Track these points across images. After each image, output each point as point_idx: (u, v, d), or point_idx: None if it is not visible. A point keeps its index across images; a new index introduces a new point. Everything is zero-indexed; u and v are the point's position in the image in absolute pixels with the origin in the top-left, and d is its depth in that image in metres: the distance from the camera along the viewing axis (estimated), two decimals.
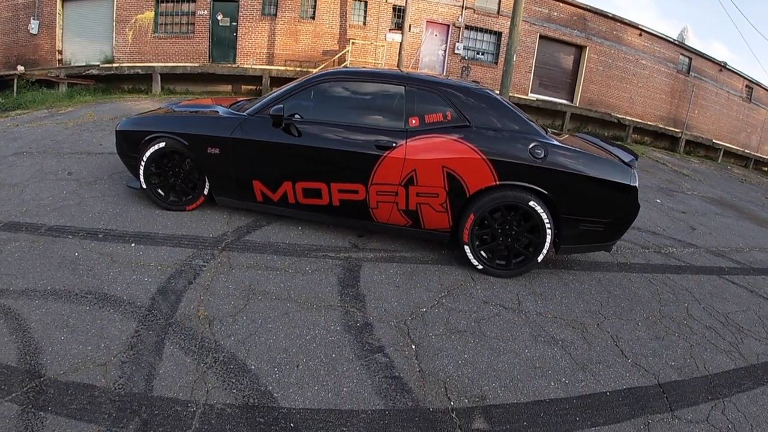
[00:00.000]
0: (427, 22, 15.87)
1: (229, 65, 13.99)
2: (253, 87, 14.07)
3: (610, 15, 17.23)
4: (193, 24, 13.96)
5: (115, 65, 13.17)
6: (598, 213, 3.48)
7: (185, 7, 13.90)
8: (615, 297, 3.64)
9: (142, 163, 3.83)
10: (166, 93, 12.70)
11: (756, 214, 8.88)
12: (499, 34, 16.45)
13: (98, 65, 13.00)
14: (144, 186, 3.91)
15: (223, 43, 14.33)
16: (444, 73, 15.83)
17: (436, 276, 3.45)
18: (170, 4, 13.89)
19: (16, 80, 12.17)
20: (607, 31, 17.34)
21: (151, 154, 3.80)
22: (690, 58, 19.18)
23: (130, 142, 3.96)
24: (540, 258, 3.51)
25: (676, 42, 19.04)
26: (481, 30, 16.34)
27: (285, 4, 14.41)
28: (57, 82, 12.21)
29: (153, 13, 13.65)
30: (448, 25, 16.05)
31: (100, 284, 2.78)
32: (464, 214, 3.46)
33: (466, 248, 3.52)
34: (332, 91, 3.71)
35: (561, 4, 16.60)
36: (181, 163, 3.86)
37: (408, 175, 3.41)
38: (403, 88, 3.55)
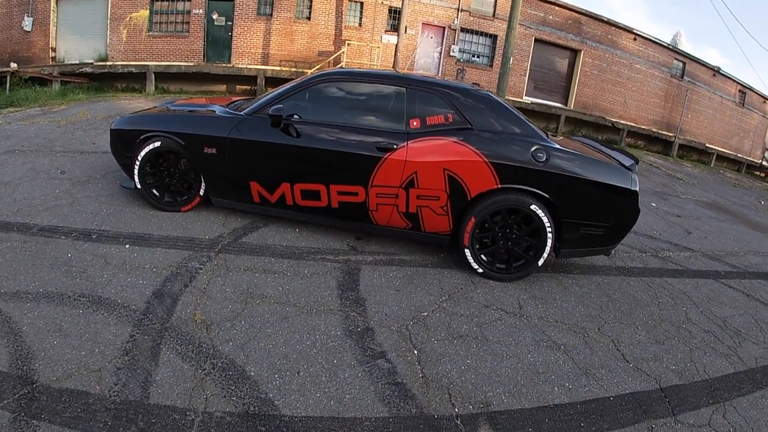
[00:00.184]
0: (422, 24, 15.88)
1: (224, 65, 13.90)
2: (248, 87, 14.00)
3: (605, 19, 17.35)
4: (188, 23, 13.85)
5: (108, 63, 13.02)
6: (599, 217, 3.47)
7: (180, 5, 13.79)
8: (614, 301, 3.63)
9: (137, 163, 3.76)
10: (159, 92, 12.58)
11: (749, 218, 8.95)
12: (494, 37, 16.50)
13: (92, 63, 12.85)
14: (138, 186, 3.83)
15: (218, 43, 14.23)
16: (439, 75, 15.84)
17: (436, 279, 3.41)
18: (165, 3, 13.78)
19: (9, 78, 12.00)
20: (602, 35, 17.46)
21: (146, 153, 3.73)
22: (684, 63, 19.36)
23: (124, 141, 3.88)
24: (540, 262, 3.49)
25: (670, 47, 19.22)
26: (477, 33, 16.38)
27: (281, 4, 14.35)
28: (50, 80, 12.06)
29: (148, 11, 13.52)
30: (444, 28, 16.07)
31: (93, 287, 2.71)
32: (465, 217, 3.43)
33: (467, 252, 3.49)
34: (332, 92, 3.66)
35: (556, 8, 16.69)
36: (177, 163, 3.80)
37: (409, 177, 3.37)
38: (404, 89, 3.52)
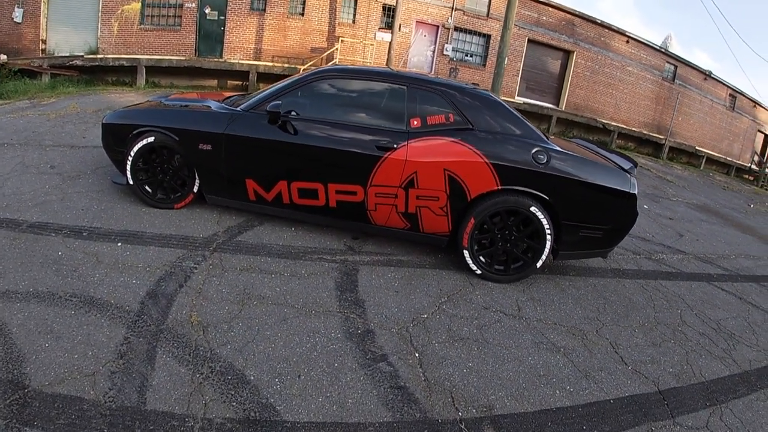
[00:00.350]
0: (416, 22, 15.83)
1: (215, 60, 13.72)
2: (240, 82, 13.83)
3: (599, 21, 17.46)
4: (181, 16, 13.63)
5: (99, 56, 12.76)
6: (597, 220, 3.47)
7: None
8: (611, 303, 3.64)
9: (130, 158, 3.67)
10: (150, 86, 12.37)
11: (739, 221, 9.07)
12: (487, 37, 16.51)
13: (82, 56, 12.58)
14: (131, 182, 3.74)
15: (211, 37, 14.03)
16: (432, 74, 15.81)
17: (434, 281, 3.38)
18: None
19: None
20: (595, 37, 17.57)
21: (140, 148, 3.64)
22: (675, 66, 19.57)
23: (117, 136, 3.79)
24: (539, 264, 3.48)
25: (662, 50, 19.39)
26: (470, 32, 16.38)
27: None
28: (40, 72, 11.79)
29: (140, 4, 13.27)
30: (438, 26, 16.04)
31: (85, 286, 2.63)
32: (464, 218, 3.40)
33: (466, 253, 3.46)
34: (331, 89, 3.61)
35: (550, 9, 16.75)
36: (171, 159, 3.71)
37: (409, 177, 3.33)
38: (405, 88, 3.47)
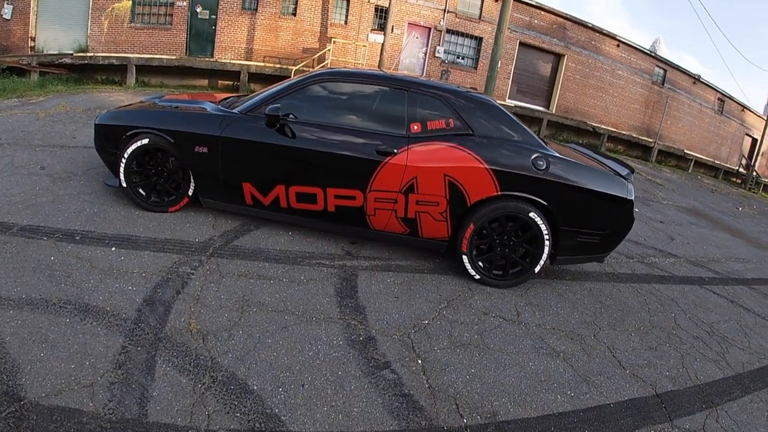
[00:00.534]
0: (409, 24, 15.85)
1: (206, 59, 13.58)
2: (231, 82, 13.72)
3: (590, 25, 17.64)
4: (172, 15, 13.47)
5: (89, 54, 12.54)
6: (595, 225, 3.49)
7: None
8: (607, 307, 3.67)
9: (123, 161, 3.60)
10: (140, 85, 12.21)
11: (728, 224, 9.21)
12: (479, 40, 16.58)
13: (72, 54, 12.36)
14: (124, 184, 3.67)
15: (202, 36, 13.90)
16: (424, 76, 15.83)
17: (433, 286, 3.37)
18: None
19: None
20: (586, 40, 17.74)
21: (133, 150, 3.57)
22: (665, 70, 19.85)
23: (110, 137, 3.71)
24: (537, 269, 3.49)
25: (652, 54, 19.66)
26: (462, 34, 16.44)
27: None
28: (29, 71, 11.56)
29: (130, 2, 13.08)
30: (430, 28, 16.08)
31: (80, 293, 2.56)
32: (464, 223, 3.40)
33: (465, 258, 3.45)
34: (330, 92, 3.57)
35: (542, 12, 16.88)
36: (165, 161, 3.65)
37: (409, 182, 3.31)
38: (405, 92, 3.46)
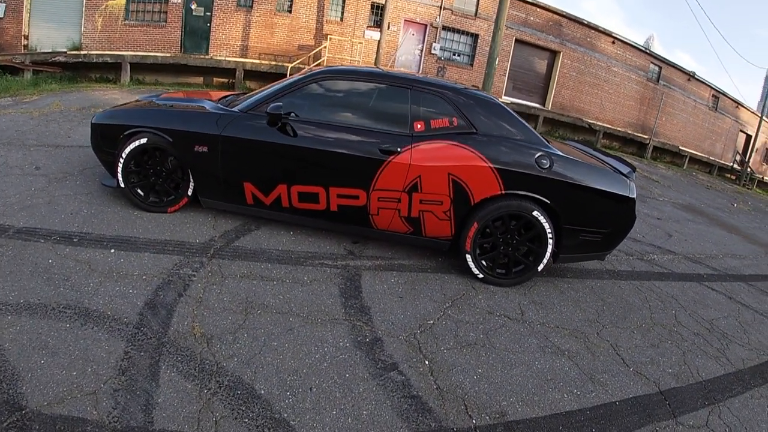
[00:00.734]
0: (405, 20, 15.78)
1: (201, 56, 13.46)
2: (226, 80, 13.62)
3: (585, 22, 17.64)
4: (166, 12, 13.32)
5: (83, 53, 12.38)
6: (598, 224, 3.47)
7: None
8: (609, 305, 3.68)
9: (121, 160, 3.54)
10: (135, 83, 12.08)
11: (724, 220, 9.26)
12: (475, 36, 16.55)
13: (65, 52, 12.19)
14: (122, 185, 3.61)
15: (196, 34, 13.76)
16: (420, 73, 15.78)
17: (437, 285, 3.35)
18: None
19: None
20: (582, 37, 17.75)
21: (132, 150, 3.51)
22: (660, 67, 19.92)
23: (107, 137, 3.65)
24: (540, 267, 3.48)
25: (648, 51, 19.72)
26: (458, 31, 16.40)
27: None
28: (22, 69, 11.39)
29: None
30: (426, 25, 16.02)
31: (79, 297, 2.51)
32: (467, 222, 3.37)
33: (468, 257, 3.43)
34: (332, 90, 3.53)
35: (538, 9, 16.87)
36: (164, 161, 3.60)
37: (412, 181, 3.28)
38: (408, 90, 3.42)
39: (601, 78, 18.46)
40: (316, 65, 13.52)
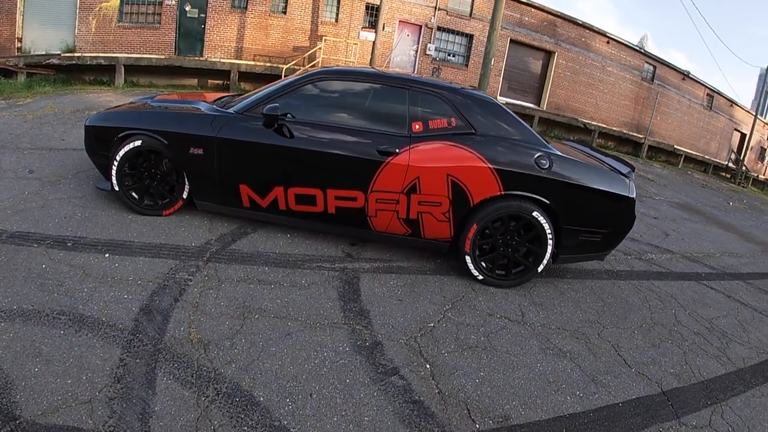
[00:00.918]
0: (400, 21, 15.78)
1: (196, 58, 13.39)
2: (221, 81, 13.55)
3: (580, 22, 17.70)
4: (160, 14, 13.24)
5: (77, 55, 12.28)
6: (597, 224, 3.46)
7: None
8: (609, 305, 3.66)
9: (115, 163, 3.49)
10: (129, 85, 12.00)
11: (720, 219, 9.29)
12: (470, 37, 16.56)
13: (59, 54, 12.09)
14: (116, 188, 3.56)
15: (191, 35, 13.69)
16: (415, 74, 15.77)
17: (437, 287, 3.32)
18: None
19: None
20: (576, 37, 17.80)
21: (126, 153, 3.47)
22: (654, 67, 20.00)
23: (101, 139, 3.60)
24: (540, 268, 3.46)
25: (642, 50, 19.80)
26: (453, 32, 16.41)
27: None
28: (15, 72, 11.29)
29: (118, 1, 12.83)
30: (421, 26, 16.02)
31: (73, 302, 2.46)
32: (467, 223, 3.35)
33: (468, 258, 3.41)
34: (329, 91, 3.50)
35: (533, 10, 16.90)
36: (159, 163, 3.55)
37: (411, 182, 3.25)
38: (406, 90, 3.39)
39: (595, 78, 18.52)
40: (311, 66, 13.49)
